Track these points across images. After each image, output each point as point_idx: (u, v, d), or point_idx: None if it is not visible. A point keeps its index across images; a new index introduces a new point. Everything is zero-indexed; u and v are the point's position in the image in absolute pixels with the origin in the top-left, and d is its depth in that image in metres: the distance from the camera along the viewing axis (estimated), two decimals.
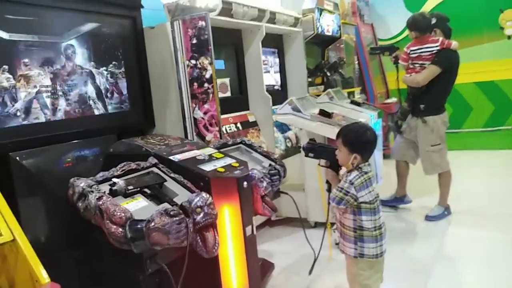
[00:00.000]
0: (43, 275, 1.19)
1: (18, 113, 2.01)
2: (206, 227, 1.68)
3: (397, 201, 3.68)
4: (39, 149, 2.08)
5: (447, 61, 3.24)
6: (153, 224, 1.50)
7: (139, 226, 1.49)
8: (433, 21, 3.31)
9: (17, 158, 2.01)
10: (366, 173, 1.85)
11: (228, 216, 1.85)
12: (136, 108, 2.66)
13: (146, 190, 1.74)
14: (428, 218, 3.36)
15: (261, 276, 2.29)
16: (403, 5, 5.99)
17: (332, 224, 2.07)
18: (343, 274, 2.02)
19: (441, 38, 3.23)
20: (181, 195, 1.75)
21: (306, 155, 2.16)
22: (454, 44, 3.23)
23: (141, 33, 2.71)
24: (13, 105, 1.99)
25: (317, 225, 3.28)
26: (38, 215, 2.12)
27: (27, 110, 2.05)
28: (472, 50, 5.42)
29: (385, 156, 4.09)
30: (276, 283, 2.49)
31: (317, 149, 2.11)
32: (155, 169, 1.89)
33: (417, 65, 3.32)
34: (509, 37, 5.43)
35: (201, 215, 1.63)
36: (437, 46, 3.21)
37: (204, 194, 1.69)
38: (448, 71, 3.23)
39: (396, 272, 2.45)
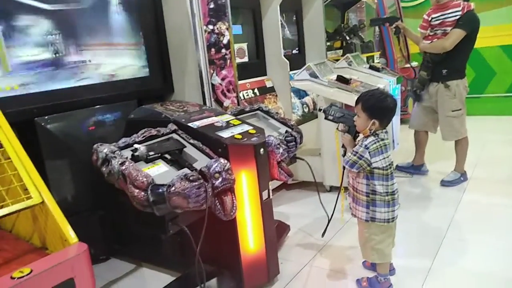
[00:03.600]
0: (71, 235, 1.27)
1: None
2: (224, 191, 1.75)
3: (414, 169, 3.69)
4: (63, 114, 2.17)
5: (472, 24, 3.13)
6: (173, 188, 1.57)
7: (160, 190, 1.57)
8: None
9: (42, 123, 2.10)
10: (382, 139, 1.88)
11: (245, 181, 1.91)
12: (155, 74, 2.69)
13: (166, 155, 1.81)
14: (444, 183, 3.38)
15: (277, 237, 2.38)
16: None
17: (346, 188, 2.12)
18: (355, 237, 2.09)
19: (461, 2, 3.12)
20: (200, 161, 1.81)
21: (326, 118, 2.21)
22: (472, 5, 3.13)
23: None
24: None
25: (332, 189, 3.34)
26: (64, 177, 2.24)
27: None
28: (498, 12, 5.19)
29: (403, 121, 4.06)
30: (291, 243, 2.59)
31: (337, 113, 2.15)
32: (174, 135, 1.95)
33: (439, 31, 3.22)
34: None
35: (220, 180, 1.70)
36: (459, 11, 3.10)
37: (222, 160, 1.74)
38: (470, 34, 3.14)
39: (408, 236, 2.51)
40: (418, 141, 3.65)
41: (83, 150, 2.06)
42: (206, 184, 1.67)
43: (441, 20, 3.20)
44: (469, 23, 3.12)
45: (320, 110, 2.26)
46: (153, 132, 1.89)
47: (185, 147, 1.89)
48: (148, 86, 2.66)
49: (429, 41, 3.29)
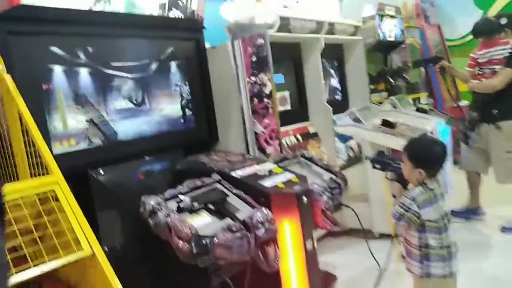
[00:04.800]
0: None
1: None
2: (267, 241, 1.74)
3: (469, 213, 3.47)
4: (114, 166, 2.29)
5: None
6: (216, 240, 1.59)
7: (203, 242, 1.59)
8: (503, 21, 3.12)
9: (94, 175, 2.22)
10: (432, 190, 1.78)
11: (288, 230, 1.90)
12: (201, 125, 2.81)
13: (210, 206, 1.85)
14: (505, 230, 3.14)
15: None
16: (472, 2, 5.65)
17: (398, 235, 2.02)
18: None
19: (511, 39, 3.03)
20: (243, 211, 1.83)
21: (373, 167, 2.15)
22: None
23: (204, 53, 2.87)
24: None
25: (382, 236, 3.20)
26: (114, 228, 2.32)
27: None
28: None
29: (455, 162, 3.87)
30: None
31: (384, 161, 2.08)
32: (218, 185, 1.99)
33: (487, 70, 3.13)
34: None
35: (262, 230, 1.70)
36: (509, 48, 3.01)
37: (264, 209, 1.75)
38: None
39: None
40: (471, 183, 3.47)
41: (132, 201, 2.15)
42: (249, 234, 1.67)
43: (488, 58, 3.12)
44: None
45: (366, 158, 2.22)
46: (198, 183, 1.95)
47: (228, 196, 1.92)
48: (195, 137, 2.77)
49: (477, 81, 3.20)
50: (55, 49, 2.04)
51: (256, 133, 2.83)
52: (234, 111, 2.92)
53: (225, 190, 1.96)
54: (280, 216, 1.87)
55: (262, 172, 2.09)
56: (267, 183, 1.98)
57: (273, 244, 1.75)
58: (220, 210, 1.82)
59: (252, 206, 1.84)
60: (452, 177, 3.60)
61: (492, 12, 5.37)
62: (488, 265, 2.68)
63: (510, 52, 3.01)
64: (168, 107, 2.59)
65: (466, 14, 5.61)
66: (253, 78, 2.81)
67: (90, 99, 2.18)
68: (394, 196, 2.00)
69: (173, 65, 2.66)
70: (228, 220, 1.74)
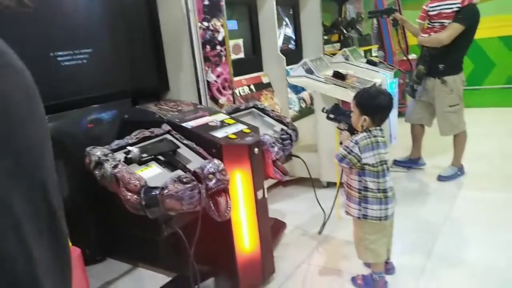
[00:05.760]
0: None
1: None
2: (219, 192, 1.74)
3: (411, 163, 3.69)
4: (59, 114, 2.16)
5: (471, 19, 3.10)
6: (166, 191, 1.57)
7: (153, 193, 1.57)
8: None
9: None
10: (375, 136, 1.88)
11: (239, 181, 1.92)
12: (150, 72, 2.68)
13: (160, 157, 1.81)
14: (441, 178, 3.38)
15: (273, 235, 2.39)
16: None
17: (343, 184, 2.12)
18: (352, 233, 2.09)
19: None
20: (194, 162, 1.81)
21: (327, 118, 2.25)
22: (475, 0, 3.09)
23: None
24: None
25: (329, 185, 3.34)
26: (59, 177, 2.23)
27: None
28: (497, 3, 5.15)
29: (401, 115, 4.04)
30: (287, 241, 2.60)
31: (339, 113, 2.21)
32: (168, 136, 1.94)
33: (436, 24, 3.19)
34: None
35: (213, 181, 1.70)
36: (459, 3, 3.06)
37: (216, 160, 1.74)
38: (469, 29, 3.10)
39: (404, 232, 2.51)
40: (414, 134, 3.65)
41: (78, 150, 2.06)
42: (200, 185, 1.67)
43: (438, 11, 3.17)
44: (469, 18, 3.08)
45: (323, 110, 2.30)
46: (146, 133, 1.88)
47: (179, 148, 1.89)
48: (143, 84, 2.64)
49: (427, 34, 3.27)
50: None
51: (208, 82, 2.75)
52: (186, 59, 2.79)
53: (176, 141, 1.92)
54: (232, 167, 1.88)
55: (214, 123, 2.06)
56: (219, 134, 1.95)
57: (224, 195, 1.76)
58: (171, 161, 1.79)
59: (204, 158, 1.82)
60: (398, 129, 3.77)
61: None
62: (423, 210, 2.90)
63: (459, 7, 3.07)
64: (115, 52, 2.43)
65: None
66: (205, 23, 2.68)
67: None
68: (341, 143, 2.09)
69: (119, 7, 2.46)
70: (179, 171, 1.72)
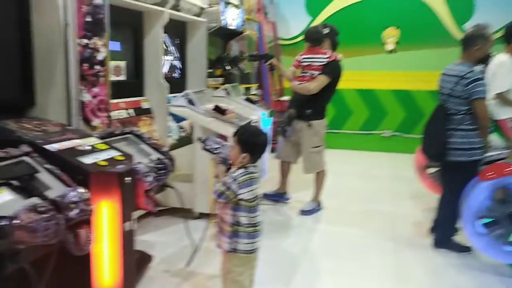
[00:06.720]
0: None
1: None
2: (80, 223, 1.63)
3: (278, 196, 3.96)
4: None
5: (335, 72, 3.54)
6: (17, 221, 1.40)
7: (1, 223, 1.39)
8: (326, 30, 3.60)
9: None
10: (251, 173, 1.97)
11: (106, 212, 1.81)
12: (12, 84, 2.40)
13: (13, 182, 1.61)
14: (302, 212, 3.69)
15: (138, 269, 2.29)
16: (304, 9, 6.33)
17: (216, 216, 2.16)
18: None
19: (330, 51, 3.52)
20: (55, 189, 1.66)
21: (203, 148, 2.23)
22: (340, 56, 3.56)
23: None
24: None
25: (201, 216, 3.36)
26: None
27: None
28: (356, 60, 6.00)
29: (273, 150, 4.33)
30: (153, 275, 2.51)
31: (214, 144, 2.20)
32: (27, 159, 1.75)
33: (307, 73, 3.56)
34: (390, 51, 6.11)
35: (75, 211, 1.58)
36: (326, 58, 3.49)
37: (80, 189, 1.63)
38: (333, 81, 3.54)
39: (266, 264, 2.64)
40: (282, 170, 3.95)
41: None
42: (59, 216, 1.53)
43: (309, 63, 3.55)
44: (334, 71, 3.52)
45: (199, 140, 2.30)
46: (0, 153, 1.67)
47: (38, 172, 1.71)
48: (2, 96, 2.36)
49: (299, 82, 3.61)
50: None
51: (82, 102, 2.59)
52: (59, 73, 2.59)
53: (35, 165, 1.74)
54: (99, 196, 1.77)
55: (83, 147, 1.94)
56: (87, 159, 1.84)
57: (86, 226, 1.65)
58: (26, 187, 1.61)
59: (67, 185, 1.69)
60: (268, 163, 4.03)
61: (319, 20, 6.14)
62: (285, 242, 3.11)
63: (326, 62, 3.49)
64: None
65: (299, 18, 6.29)
66: (85, 41, 2.55)
67: None
68: (217, 177, 2.13)
69: None
70: (35, 199, 1.56)
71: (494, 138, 3.39)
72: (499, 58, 3.39)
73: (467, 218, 2.78)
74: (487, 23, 2.94)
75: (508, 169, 2.70)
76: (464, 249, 2.95)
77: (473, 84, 2.72)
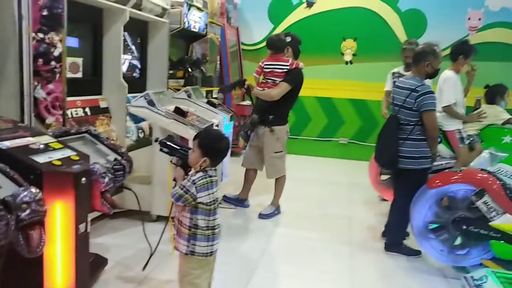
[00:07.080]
0: None
1: None
2: (32, 225, 1.56)
3: (238, 202, 3.96)
4: None
5: (296, 80, 3.61)
6: None
7: None
8: (288, 39, 3.67)
9: None
10: (210, 176, 1.96)
11: (59, 213, 1.75)
12: None
13: None
14: (261, 216, 3.73)
15: (91, 272, 2.21)
16: (266, 16, 6.42)
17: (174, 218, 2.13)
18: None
19: (291, 59, 3.59)
20: (6, 188, 1.58)
21: (161, 150, 2.17)
22: (301, 65, 3.64)
23: None
24: None
25: (159, 218, 3.31)
26: None
27: None
28: (317, 69, 6.15)
29: (233, 154, 4.34)
30: (108, 278, 2.44)
31: (172, 146, 2.14)
32: None
33: (269, 80, 3.61)
34: (347, 62, 6.32)
35: (27, 211, 1.52)
36: (288, 65, 3.55)
37: (33, 188, 1.57)
38: (294, 88, 3.61)
39: (225, 266, 2.64)
40: (247, 177, 3.95)
41: None
42: (9, 216, 1.46)
43: (271, 69, 3.60)
44: (295, 79, 3.59)
45: (156, 140, 2.24)
46: None
47: None
48: None
49: (261, 88, 3.66)
50: None
51: (36, 99, 2.48)
52: (11, 69, 2.47)
53: None
54: (53, 197, 1.70)
55: (36, 146, 1.86)
56: (41, 158, 1.77)
57: (39, 228, 1.58)
58: None
59: (19, 184, 1.61)
60: (229, 167, 4.03)
61: (281, 28, 6.25)
62: (244, 245, 3.13)
63: (287, 69, 3.56)
64: None
65: (261, 25, 6.37)
66: (40, 35, 2.45)
67: None
68: (175, 180, 2.11)
69: None
70: None
71: (442, 148, 3.61)
72: (446, 74, 3.64)
73: (416, 224, 2.93)
74: (437, 40, 3.13)
75: (454, 177, 2.87)
76: (413, 253, 3.10)
77: (423, 97, 2.88)
